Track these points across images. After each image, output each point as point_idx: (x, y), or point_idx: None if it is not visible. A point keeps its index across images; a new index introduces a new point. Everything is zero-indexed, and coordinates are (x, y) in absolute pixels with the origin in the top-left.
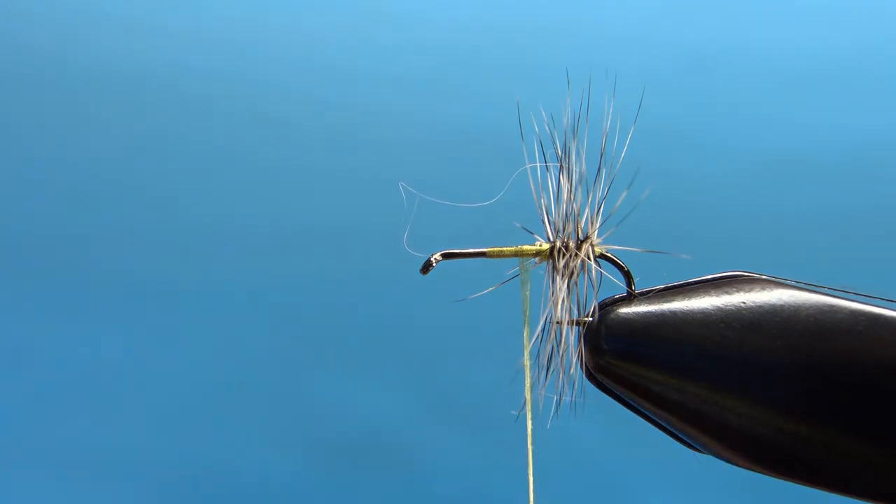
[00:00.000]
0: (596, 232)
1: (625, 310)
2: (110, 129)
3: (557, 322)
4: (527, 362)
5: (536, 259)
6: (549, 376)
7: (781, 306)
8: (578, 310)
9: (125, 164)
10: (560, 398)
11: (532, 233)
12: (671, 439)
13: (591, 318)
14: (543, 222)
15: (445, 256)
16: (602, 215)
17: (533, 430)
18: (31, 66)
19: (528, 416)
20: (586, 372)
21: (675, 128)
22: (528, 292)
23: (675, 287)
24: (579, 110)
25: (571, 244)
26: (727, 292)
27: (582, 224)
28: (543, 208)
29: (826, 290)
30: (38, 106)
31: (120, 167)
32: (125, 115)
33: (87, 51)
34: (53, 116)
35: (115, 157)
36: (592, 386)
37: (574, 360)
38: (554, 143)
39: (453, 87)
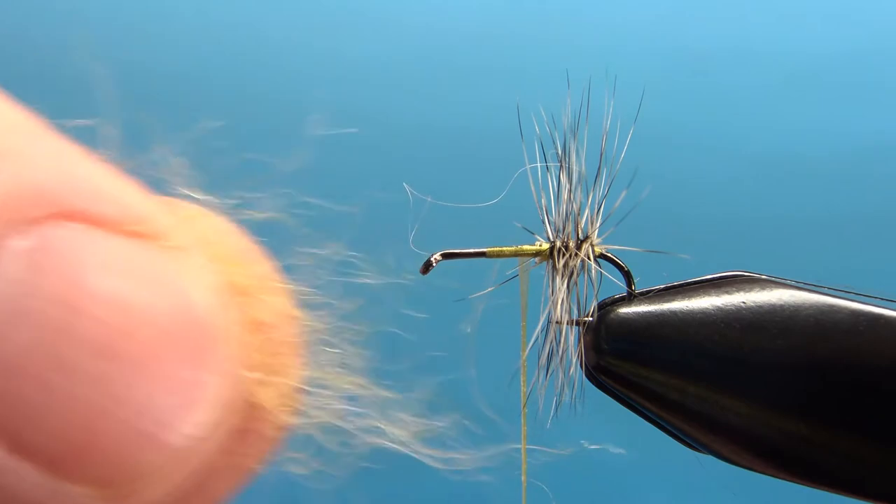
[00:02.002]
0: (596, 232)
1: (625, 310)
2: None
3: (557, 322)
4: (523, 360)
5: (536, 259)
6: (549, 376)
7: (781, 306)
8: (578, 310)
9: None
10: (560, 398)
11: (532, 233)
12: (671, 439)
13: (591, 318)
14: (543, 222)
15: (445, 256)
16: (602, 215)
17: (531, 430)
18: (29, 68)
19: (524, 416)
20: (586, 371)
21: (675, 128)
22: (526, 291)
23: (675, 287)
24: (579, 111)
25: (571, 244)
26: (727, 292)
27: (582, 224)
28: (543, 208)
29: (826, 290)
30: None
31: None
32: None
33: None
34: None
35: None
36: (593, 385)
37: (574, 360)
38: (554, 143)
39: (454, 87)
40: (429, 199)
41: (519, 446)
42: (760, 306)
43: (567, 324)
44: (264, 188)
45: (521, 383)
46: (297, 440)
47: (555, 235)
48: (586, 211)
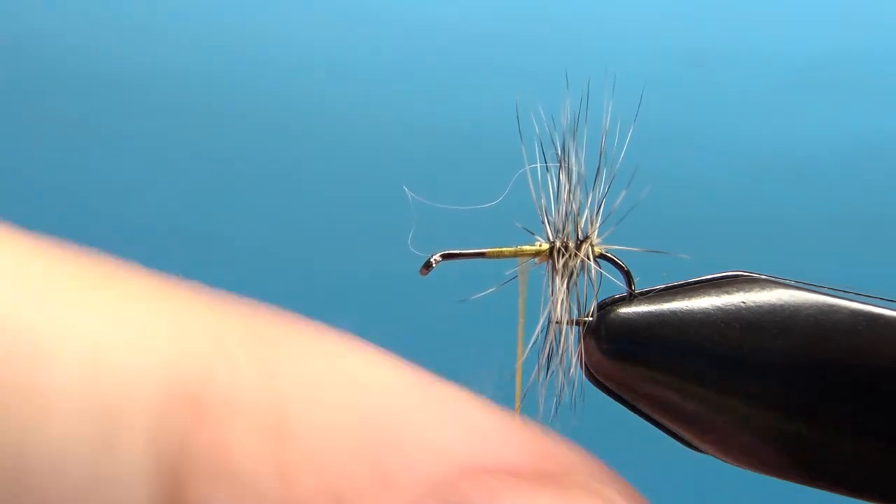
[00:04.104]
0: (595, 232)
1: (625, 310)
2: (105, 131)
3: (557, 322)
4: (519, 362)
5: (536, 259)
6: (548, 376)
7: (781, 306)
8: (578, 310)
9: (120, 164)
10: (559, 398)
11: (532, 233)
12: (671, 439)
13: (590, 318)
14: (543, 222)
15: (445, 257)
16: (602, 215)
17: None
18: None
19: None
20: (586, 372)
21: (676, 128)
22: (524, 291)
23: (675, 287)
24: (578, 110)
25: (571, 244)
26: (727, 292)
27: (581, 224)
28: (543, 208)
29: (826, 290)
30: (36, 106)
31: (114, 168)
32: (117, 116)
33: (79, 51)
34: (50, 116)
35: (111, 158)
36: (592, 385)
37: (574, 360)
38: (553, 143)
39: (454, 87)
40: (411, 195)
41: None
42: (760, 306)
43: (567, 324)
44: None
45: (517, 386)
46: None
47: (554, 235)
48: (586, 211)
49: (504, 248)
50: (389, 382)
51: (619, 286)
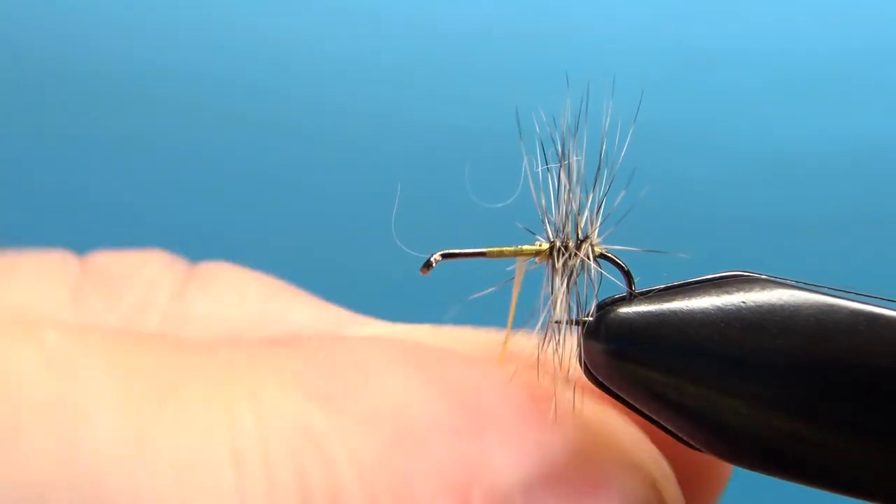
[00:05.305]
0: (595, 232)
1: (625, 309)
2: (105, 131)
3: (557, 321)
4: (503, 355)
5: (536, 259)
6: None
7: (781, 306)
8: (578, 309)
9: (120, 164)
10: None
11: (533, 233)
12: (671, 439)
13: (590, 318)
14: (543, 222)
15: (445, 256)
16: (602, 215)
17: None
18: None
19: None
20: (586, 371)
21: (675, 128)
22: (517, 293)
23: (675, 287)
24: (579, 110)
25: (571, 244)
26: (727, 292)
27: (581, 224)
28: (543, 208)
29: (826, 290)
30: (35, 106)
31: (115, 167)
32: (117, 116)
33: (77, 51)
34: (50, 117)
35: (111, 157)
36: (592, 385)
37: (573, 360)
38: (554, 143)
39: (454, 87)
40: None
41: None
42: (760, 306)
43: (567, 323)
44: None
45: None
46: None
47: (554, 235)
48: (586, 211)
49: (504, 248)
50: (425, 401)
51: (619, 286)
